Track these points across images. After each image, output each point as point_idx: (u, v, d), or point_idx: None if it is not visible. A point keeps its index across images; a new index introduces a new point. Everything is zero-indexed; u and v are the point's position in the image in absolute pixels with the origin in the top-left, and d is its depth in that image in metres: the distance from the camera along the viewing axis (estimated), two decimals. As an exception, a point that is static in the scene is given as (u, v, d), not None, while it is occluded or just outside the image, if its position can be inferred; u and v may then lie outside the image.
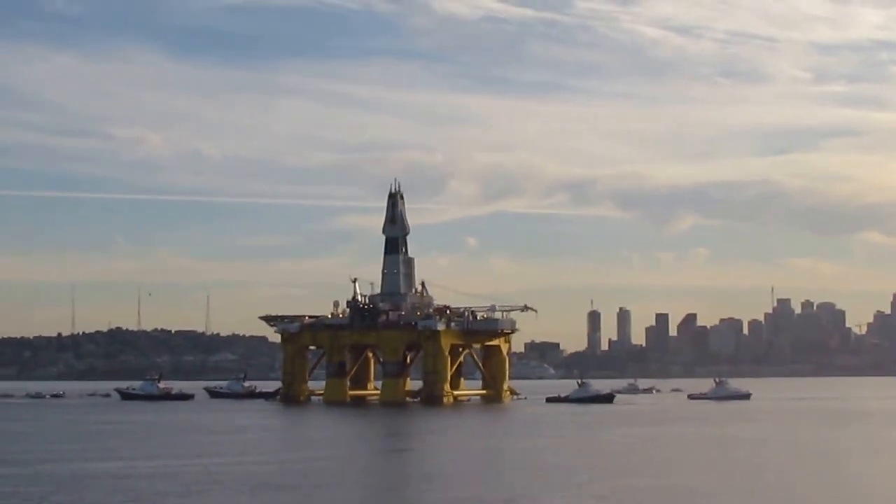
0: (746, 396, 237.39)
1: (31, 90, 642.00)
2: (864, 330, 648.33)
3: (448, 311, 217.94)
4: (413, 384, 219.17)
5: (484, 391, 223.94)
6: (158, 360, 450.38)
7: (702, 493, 65.50)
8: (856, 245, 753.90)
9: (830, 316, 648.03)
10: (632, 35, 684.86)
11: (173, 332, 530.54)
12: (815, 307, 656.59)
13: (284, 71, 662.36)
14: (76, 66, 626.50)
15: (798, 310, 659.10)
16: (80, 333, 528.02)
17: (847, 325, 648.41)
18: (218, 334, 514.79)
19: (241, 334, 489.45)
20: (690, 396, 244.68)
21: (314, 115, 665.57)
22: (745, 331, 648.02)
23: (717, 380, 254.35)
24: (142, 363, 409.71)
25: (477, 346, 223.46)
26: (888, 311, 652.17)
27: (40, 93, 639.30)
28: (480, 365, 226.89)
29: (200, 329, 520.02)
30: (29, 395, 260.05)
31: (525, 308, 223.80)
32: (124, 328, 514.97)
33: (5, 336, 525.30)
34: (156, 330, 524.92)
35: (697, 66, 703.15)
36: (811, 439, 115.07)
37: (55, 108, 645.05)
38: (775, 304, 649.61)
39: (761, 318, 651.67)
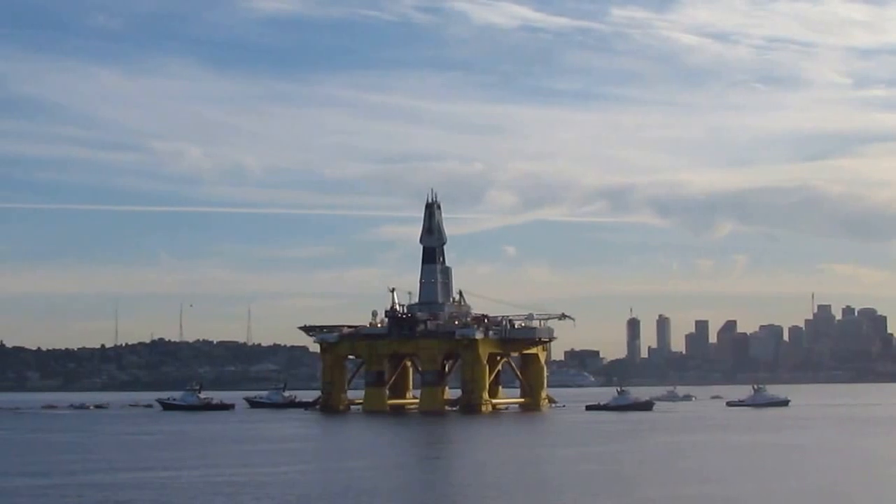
0: (785, 403, 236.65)
1: (70, 105, 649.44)
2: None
3: (486, 320, 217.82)
4: (451, 393, 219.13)
5: (522, 399, 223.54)
6: (200, 370, 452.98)
7: (741, 501, 65.17)
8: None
9: (871, 322, 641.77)
10: (668, 42, 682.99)
11: (215, 342, 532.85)
12: (855, 313, 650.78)
13: (323, 83, 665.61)
14: (117, 81, 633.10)
15: (838, 316, 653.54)
16: (123, 345, 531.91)
17: (888, 330, 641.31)
18: (259, 345, 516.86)
19: (282, 344, 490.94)
20: (729, 403, 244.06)
21: (352, 126, 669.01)
22: (786, 337, 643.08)
23: (756, 387, 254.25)
24: (184, 374, 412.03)
25: (515, 354, 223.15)
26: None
27: (79, 107, 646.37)
28: (518, 373, 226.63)
29: (242, 340, 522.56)
30: (73, 407, 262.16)
31: (563, 316, 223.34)
32: (166, 339, 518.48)
33: (50, 348, 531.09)
34: (198, 341, 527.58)
35: (734, 72, 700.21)
36: (849, 446, 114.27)
37: (97, 122, 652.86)
38: (815, 310, 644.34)
39: (801, 324, 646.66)
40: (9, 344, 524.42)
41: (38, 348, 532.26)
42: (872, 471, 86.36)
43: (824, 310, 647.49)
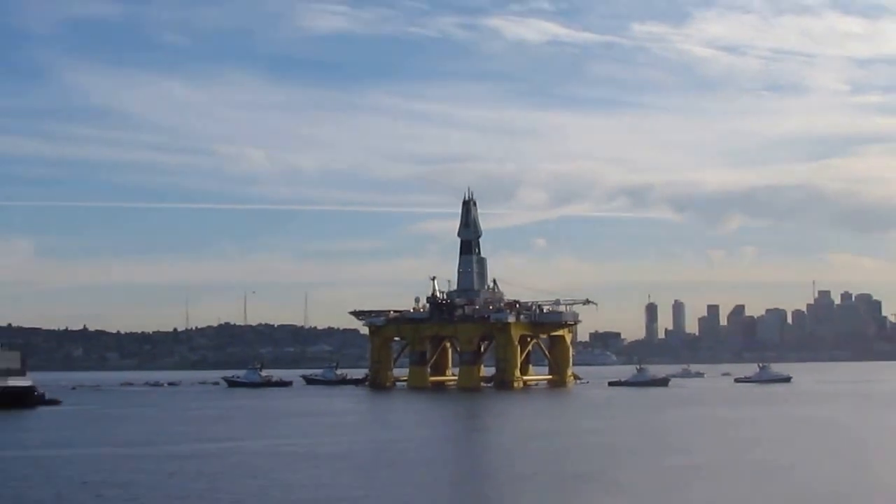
0: (787, 380, 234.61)
1: (145, 114, 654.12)
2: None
3: (517, 305, 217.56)
4: (486, 371, 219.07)
5: (550, 377, 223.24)
6: (262, 351, 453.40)
7: (746, 469, 64.59)
8: (890, 241, 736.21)
9: (867, 306, 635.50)
10: (683, 54, 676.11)
11: (275, 326, 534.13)
12: (853, 298, 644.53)
13: (371, 92, 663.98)
14: (184, 91, 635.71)
15: (837, 301, 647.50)
16: (193, 328, 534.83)
17: (883, 314, 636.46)
18: (315, 328, 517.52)
19: (335, 328, 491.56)
20: (737, 380, 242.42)
21: (397, 131, 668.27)
22: (789, 320, 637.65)
23: (761, 365, 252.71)
24: (247, 354, 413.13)
25: (543, 336, 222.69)
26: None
27: (153, 116, 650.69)
28: (547, 353, 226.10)
29: (300, 323, 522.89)
30: (148, 384, 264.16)
31: (587, 301, 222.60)
32: (232, 323, 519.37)
33: (128, 331, 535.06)
34: (260, 324, 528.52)
35: (743, 81, 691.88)
36: (845, 418, 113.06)
37: (166, 129, 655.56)
38: (816, 295, 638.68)
39: (804, 308, 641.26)
40: (91, 328, 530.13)
41: (118, 332, 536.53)
42: (864, 439, 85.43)
43: (824, 295, 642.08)
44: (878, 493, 53.58)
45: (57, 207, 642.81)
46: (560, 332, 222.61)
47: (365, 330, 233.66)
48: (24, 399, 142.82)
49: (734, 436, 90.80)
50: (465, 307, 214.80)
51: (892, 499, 52.67)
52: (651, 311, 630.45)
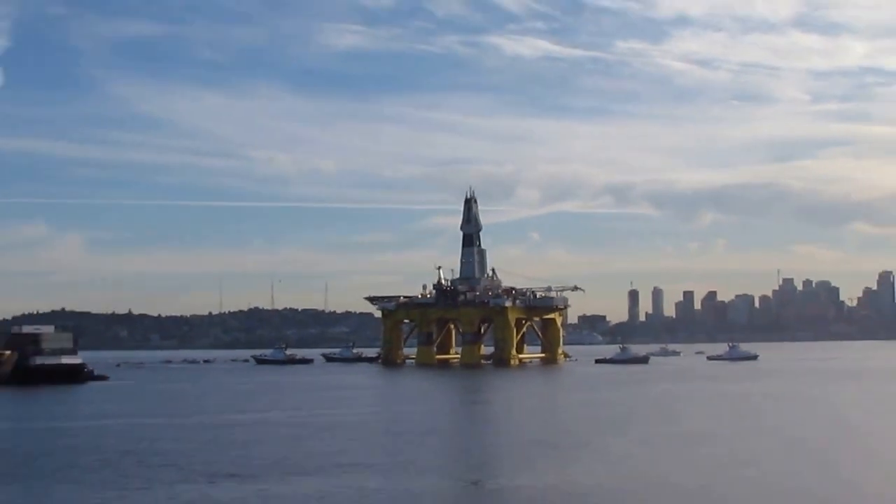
0: (754, 357, 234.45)
1: (185, 121, 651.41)
2: (854, 303, 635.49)
3: (513, 292, 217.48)
4: (486, 350, 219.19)
5: (543, 355, 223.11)
6: (287, 332, 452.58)
7: (723, 436, 64.63)
8: (848, 234, 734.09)
9: (827, 292, 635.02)
10: (661, 68, 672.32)
11: (299, 310, 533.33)
12: (814, 285, 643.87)
13: (383, 102, 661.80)
14: (220, 102, 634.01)
15: (800, 287, 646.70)
16: (226, 312, 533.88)
17: (840, 299, 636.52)
18: (334, 312, 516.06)
19: (352, 311, 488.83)
20: (709, 358, 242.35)
21: (408, 137, 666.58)
22: (757, 305, 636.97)
23: (730, 345, 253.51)
24: (274, 335, 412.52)
25: (537, 319, 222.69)
26: (875, 287, 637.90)
27: (192, 123, 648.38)
28: (540, 334, 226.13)
29: (320, 308, 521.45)
30: (186, 361, 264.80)
31: (574, 288, 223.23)
32: (260, 308, 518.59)
33: (168, 315, 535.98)
34: (285, 309, 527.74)
35: (715, 91, 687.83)
36: (805, 391, 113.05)
37: (204, 135, 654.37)
38: (781, 282, 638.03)
39: (770, 294, 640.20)
40: (136, 312, 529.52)
41: (159, 315, 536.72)
42: (821, 409, 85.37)
43: (788, 282, 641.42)
44: (816, 448, 53.55)
45: (106, 205, 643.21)
46: (552, 316, 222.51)
47: (378, 313, 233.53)
48: (76, 375, 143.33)
49: (705, 407, 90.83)
50: (467, 293, 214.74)
51: (830, 450, 52.44)
52: (633, 296, 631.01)
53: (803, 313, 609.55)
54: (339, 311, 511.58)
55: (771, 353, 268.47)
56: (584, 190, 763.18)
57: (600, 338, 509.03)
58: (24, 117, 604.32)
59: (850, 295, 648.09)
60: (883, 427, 71.13)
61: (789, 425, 72.34)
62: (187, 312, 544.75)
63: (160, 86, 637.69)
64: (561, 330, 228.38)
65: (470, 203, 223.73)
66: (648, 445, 59.04)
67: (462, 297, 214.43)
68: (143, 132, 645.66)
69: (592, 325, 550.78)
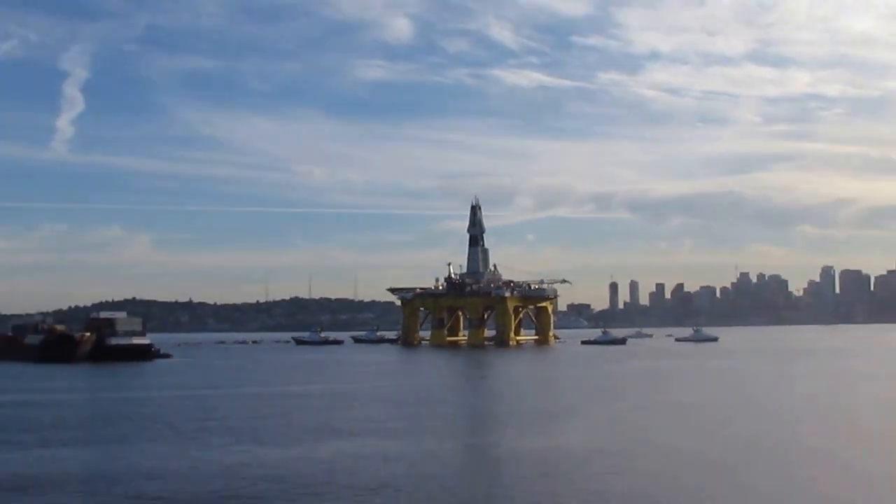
0: (715, 339, 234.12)
1: (241, 141, 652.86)
2: (801, 293, 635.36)
3: (512, 284, 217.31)
4: (489, 332, 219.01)
5: (536, 337, 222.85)
6: (323, 318, 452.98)
7: (694, 405, 64.18)
8: (795, 235, 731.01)
9: (777, 284, 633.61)
10: (637, 95, 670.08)
11: (333, 299, 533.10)
12: (766, 278, 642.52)
13: (405, 125, 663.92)
14: (268, 125, 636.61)
15: (755, 280, 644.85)
16: (272, 301, 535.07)
17: (789, 290, 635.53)
18: (363, 300, 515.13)
19: (378, 300, 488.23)
20: (677, 339, 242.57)
21: (425, 154, 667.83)
22: (718, 295, 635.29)
23: (694, 329, 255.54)
24: (312, 320, 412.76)
25: (531, 307, 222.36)
26: (818, 279, 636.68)
27: (246, 143, 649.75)
28: (534, 319, 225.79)
29: (351, 297, 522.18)
30: (237, 342, 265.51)
31: (563, 281, 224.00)
32: (301, 297, 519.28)
33: (223, 303, 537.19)
34: (321, 298, 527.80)
35: (683, 115, 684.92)
36: (760, 367, 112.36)
37: (256, 152, 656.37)
38: (738, 276, 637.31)
39: (729, 286, 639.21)
40: (195, 300, 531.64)
41: (215, 303, 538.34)
42: (776, 382, 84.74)
43: (745, 276, 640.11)
44: (762, 416, 53.04)
45: (171, 211, 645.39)
46: (544, 304, 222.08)
47: (398, 302, 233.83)
48: (145, 353, 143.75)
49: (669, 381, 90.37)
50: (473, 285, 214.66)
51: (775, 419, 51.90)
52: (613, 288, 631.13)
53: (758, 302, 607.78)
54: (366, 300, 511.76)
55: (730, 336, 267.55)
56: (572, 198, 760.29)
57: (585, 323, 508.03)
58: (103, 137, 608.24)
59: (797, 286, 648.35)
60: (828, 392, 70.57)
61: (753, 393, 71.84)
62: (238, 301, 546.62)
63: (219, 111, 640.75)
64: (552, 316, 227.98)
65: (475, 209, 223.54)
66: (636, 412, 58.75)
67: (469, 288, 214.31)
68: (204, 150, 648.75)
69: (579, 312, 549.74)
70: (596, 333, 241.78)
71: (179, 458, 40.52)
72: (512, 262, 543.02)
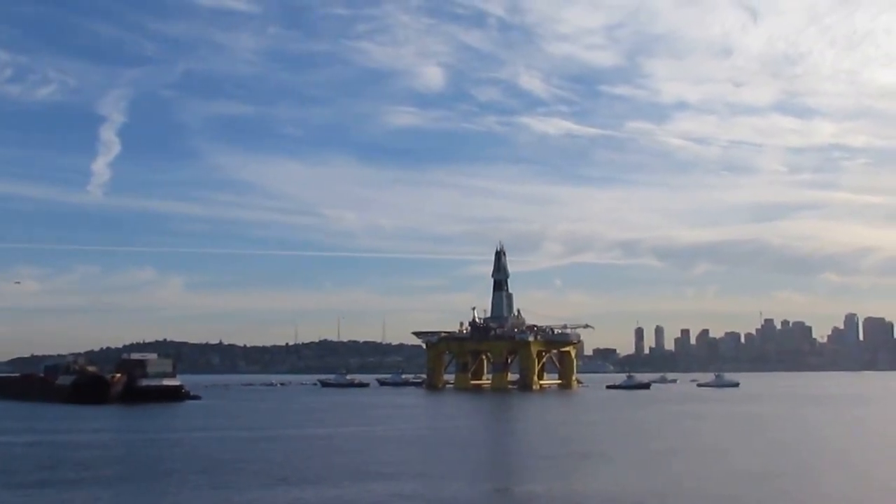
0: (736, 385, 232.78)
1: (270, 185, 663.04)
2: (825, 340, 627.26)
3: (535, 328, 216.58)
4: (512, 376, 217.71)
5: (560, 381, 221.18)
6: (351, 360, 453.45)
7: (718, 450, 63.37)
8: (818, 282, 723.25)
9: (801, 331, 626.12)
10: (663, 144, 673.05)
11: (361, 342, 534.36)
12: (790, 325, 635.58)
13: (433, 171, 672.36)
14: (300, 170, 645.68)
15: (779, 326, 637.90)
16: (301, 343, 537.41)
17: (813, 336, 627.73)
18: (390, 343, 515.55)
19: (405, 343, 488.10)
20: (699, 385, 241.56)
21: (453, 200, 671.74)
22: (742, 341, 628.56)
23: (716, 374, 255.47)
24: (340, 363, 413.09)
25: (555, 351, 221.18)
26: (842, 326, 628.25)
27: (278, 187, 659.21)
28: (557, 364, 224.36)
29: (379, 340, 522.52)
30: (264, 384, 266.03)
31: (586, 325, 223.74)
32: (329, 339, 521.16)
33: (252, 345, 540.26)
34: (350, 340, 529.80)
35: (708, 164, 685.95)
36: (773, 411, 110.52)
37: (287, 196, 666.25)
38: (763, 322, 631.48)
39: (754, 332, 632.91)
40: (226, 342, 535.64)
41: (245, 345, 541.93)
42: (785, 426, 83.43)
43: (769, 322, 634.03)
44: (786, 461, 52.29)
45: (203, 254, 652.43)
46: (567, 349, 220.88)
47: (424, 345, 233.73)
48: (175, 395, 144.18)
49: (692, 425, 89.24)
50: (497, 329, 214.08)
51: (798, 463, 51.14)
52: (639, 333, 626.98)
53: (782, 348, 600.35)
54: (394, 343, 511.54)
55: (753, 381, 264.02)
56: (598, 244, 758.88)
57: (612, 367, 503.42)
58: (139, 180, 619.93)
59: (821, 333, 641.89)
60: (846, 439, 69.36)
61: (772, 439, 70.82)
62: (268, 343, 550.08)
63: (252, 156, 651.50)
64: (575, 360, 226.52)
65: (499, 255, 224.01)
66: (645, 457, 58.17)
67: (492, 332, 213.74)
68: (237, 194, 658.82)
69: (605, 357, 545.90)
70: (621, 378, 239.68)
71: (213, 501, 40.75)
72: (539, 307, 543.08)
